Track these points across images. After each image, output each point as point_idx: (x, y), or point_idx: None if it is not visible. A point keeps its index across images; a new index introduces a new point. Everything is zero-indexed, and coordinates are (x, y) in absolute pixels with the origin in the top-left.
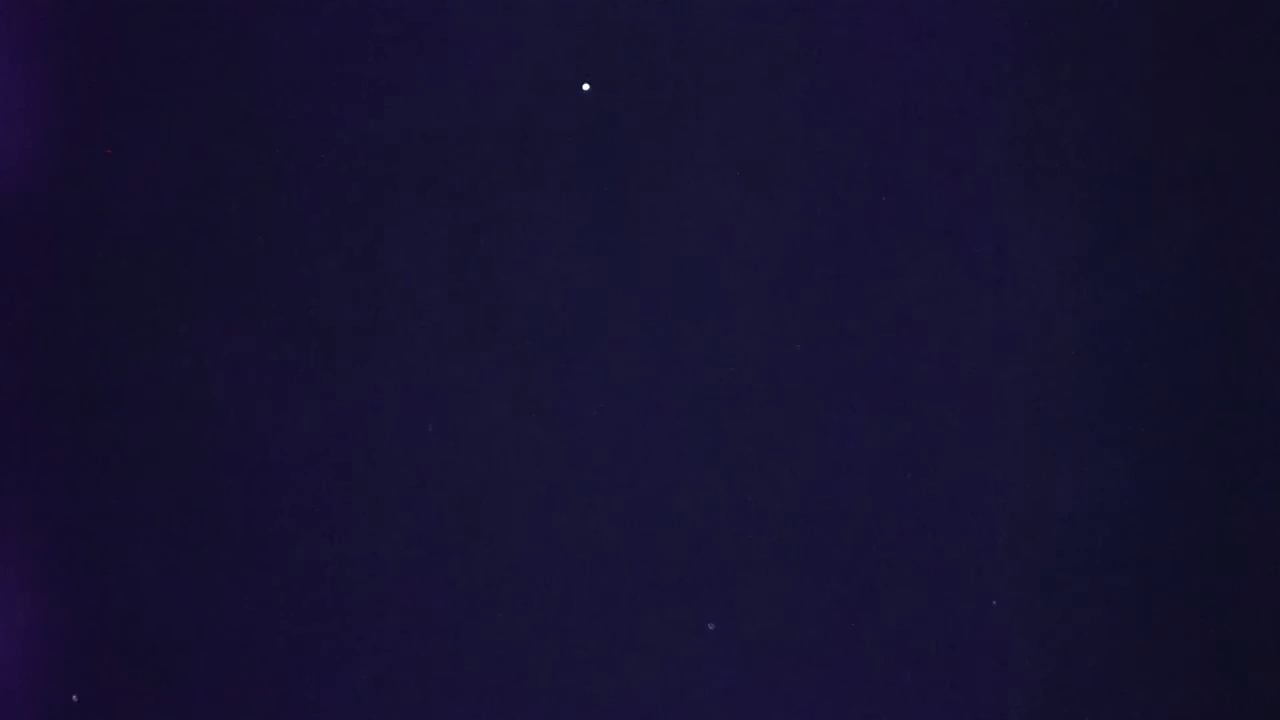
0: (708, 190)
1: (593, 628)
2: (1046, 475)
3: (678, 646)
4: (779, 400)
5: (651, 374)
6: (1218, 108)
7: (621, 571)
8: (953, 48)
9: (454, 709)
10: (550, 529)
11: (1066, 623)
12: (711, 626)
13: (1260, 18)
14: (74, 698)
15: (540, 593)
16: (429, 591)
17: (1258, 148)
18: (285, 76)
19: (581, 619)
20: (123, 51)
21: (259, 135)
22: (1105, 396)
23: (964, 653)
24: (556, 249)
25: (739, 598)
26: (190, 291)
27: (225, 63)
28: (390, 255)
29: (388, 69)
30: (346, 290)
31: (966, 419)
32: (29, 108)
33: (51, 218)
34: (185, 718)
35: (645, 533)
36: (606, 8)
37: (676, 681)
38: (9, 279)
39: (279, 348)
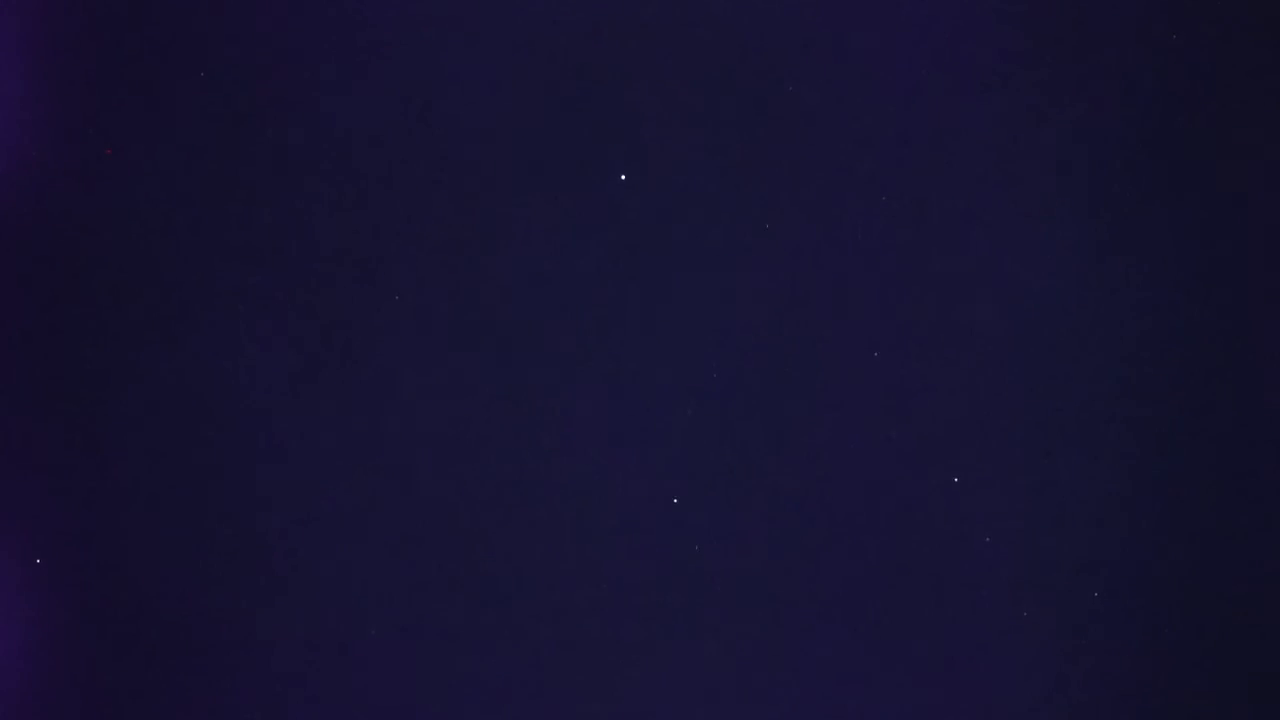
0: (706, 190)
1: (590, 629)
2: (1046, 475)
3: (676, 647)
4: (777, 400)
5: (651, 374)
6: (1218, 108)
7: (620, 573)
8: (952, 47)
9: (454, 709)
10: (547, 529)
11: (1067, 623)
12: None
13: (1260, 18)
14: None
15: (539, 593)
16: (428, 591)
17: (1258, 148)
18: (285, 76)
19: (579, 620)
20: (123, 51)
21: (258, 135)
22: (1105, 396)
23: (965, 654)
24: (555, 249)
25: (738, 598)
26: (189, 292)
27: (224, 63)
28: (390, 255)
29: (388, 70)
30: (346, 290)
31: (966, 419)
32: (29, 108)
33: (51, 218)
34: (185, 717)
35: (644, 534)
36: (606, 8)
37: (675, 682)
38: (9, 279)
39: (279, 347)
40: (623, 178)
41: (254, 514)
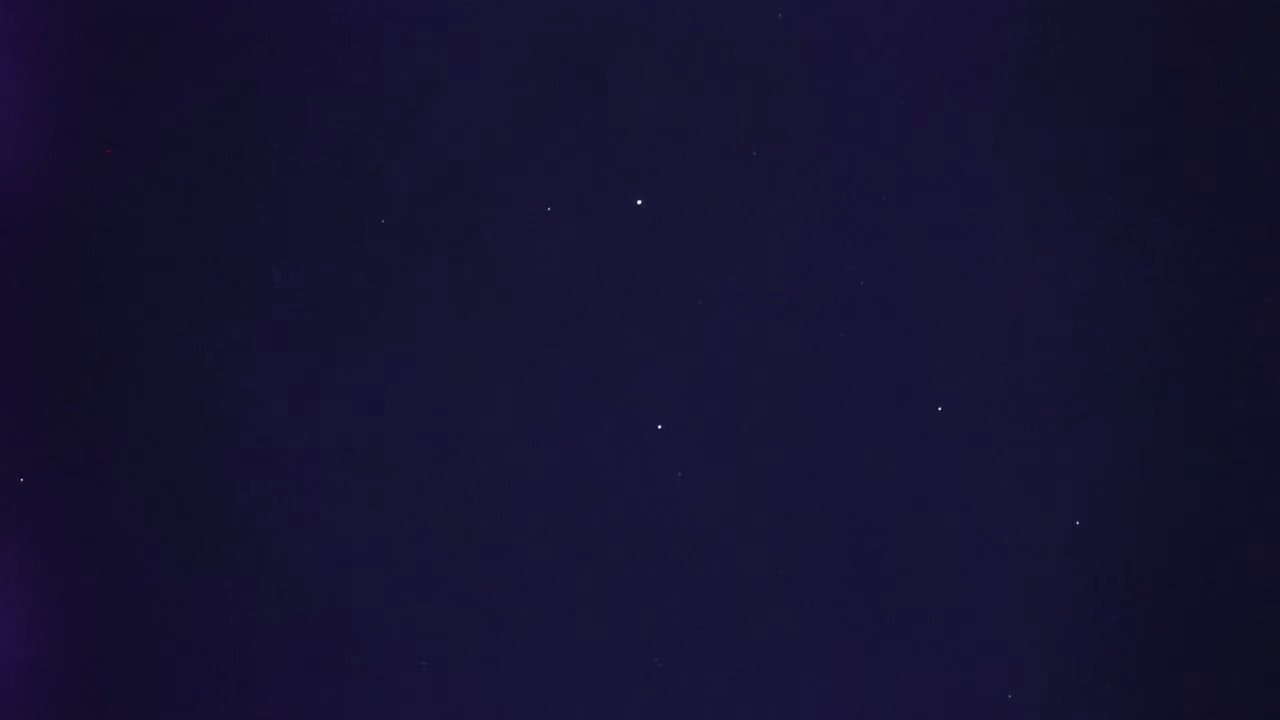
0: (707, 191)
1: (590, 630)
2: (1046, 476)
3: (675, 649)
4: (778, 400)
5: (651, 374)
6: (1218, 108)
7: (620, 573)
8: (952, 47)
9: (454, 709)
10: (548, 530)
11: (1067, 625)
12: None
13: (1260, 18)
14: None
15: (538, 595)
16: (429, 592)
17: (1259, 148)
18: (286, 77)
19: (578, 621)
20: (123, 51)
21: (258, 135)
22: (1105, 397)
23: (964, 656)
24: (556, 249)
25: (738, 600)
26: (189, 292)
27: (224, 62)
28: (390, 255)
29: (387, 70)
30: (346, 290)
31: (966, 420)
32: (29, 108)
33: (51, 218)
34: (185, 717)
35: (644, 534)
36: (608, 8)
37: (674, 684)
38: (9, 279)
39: (278, 347)
40: (639, 202)
41: (254, 513)
